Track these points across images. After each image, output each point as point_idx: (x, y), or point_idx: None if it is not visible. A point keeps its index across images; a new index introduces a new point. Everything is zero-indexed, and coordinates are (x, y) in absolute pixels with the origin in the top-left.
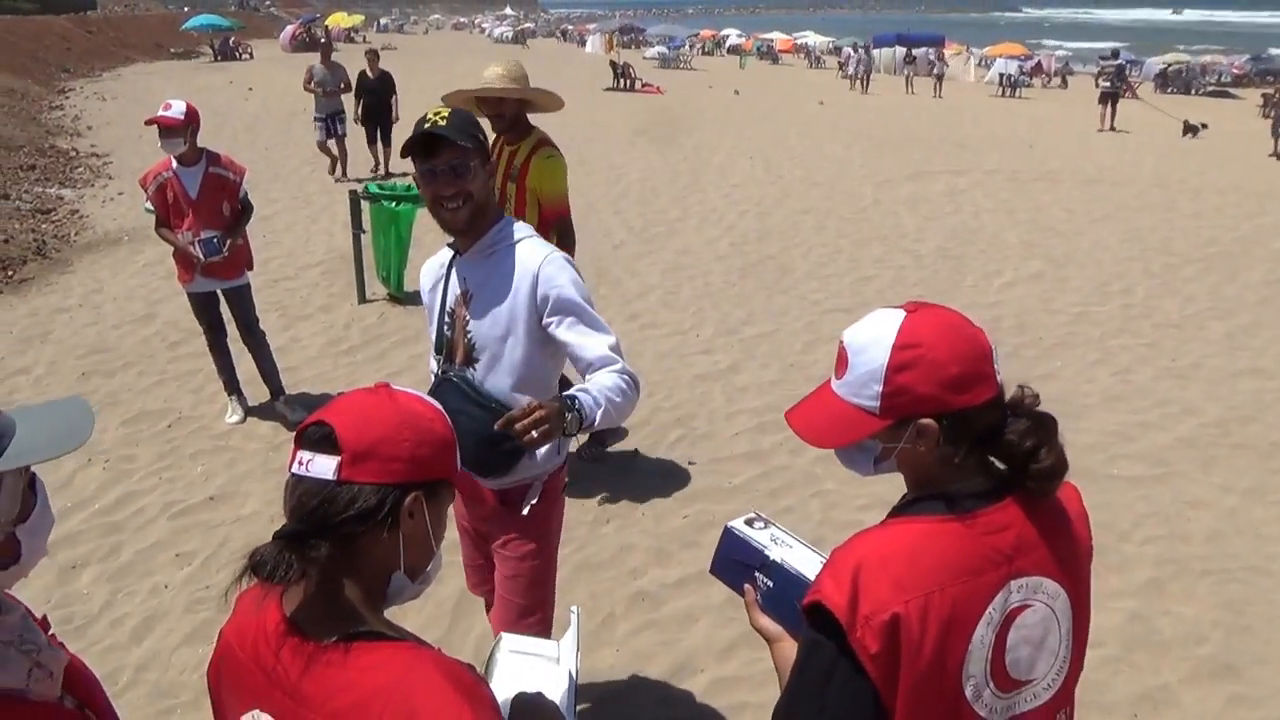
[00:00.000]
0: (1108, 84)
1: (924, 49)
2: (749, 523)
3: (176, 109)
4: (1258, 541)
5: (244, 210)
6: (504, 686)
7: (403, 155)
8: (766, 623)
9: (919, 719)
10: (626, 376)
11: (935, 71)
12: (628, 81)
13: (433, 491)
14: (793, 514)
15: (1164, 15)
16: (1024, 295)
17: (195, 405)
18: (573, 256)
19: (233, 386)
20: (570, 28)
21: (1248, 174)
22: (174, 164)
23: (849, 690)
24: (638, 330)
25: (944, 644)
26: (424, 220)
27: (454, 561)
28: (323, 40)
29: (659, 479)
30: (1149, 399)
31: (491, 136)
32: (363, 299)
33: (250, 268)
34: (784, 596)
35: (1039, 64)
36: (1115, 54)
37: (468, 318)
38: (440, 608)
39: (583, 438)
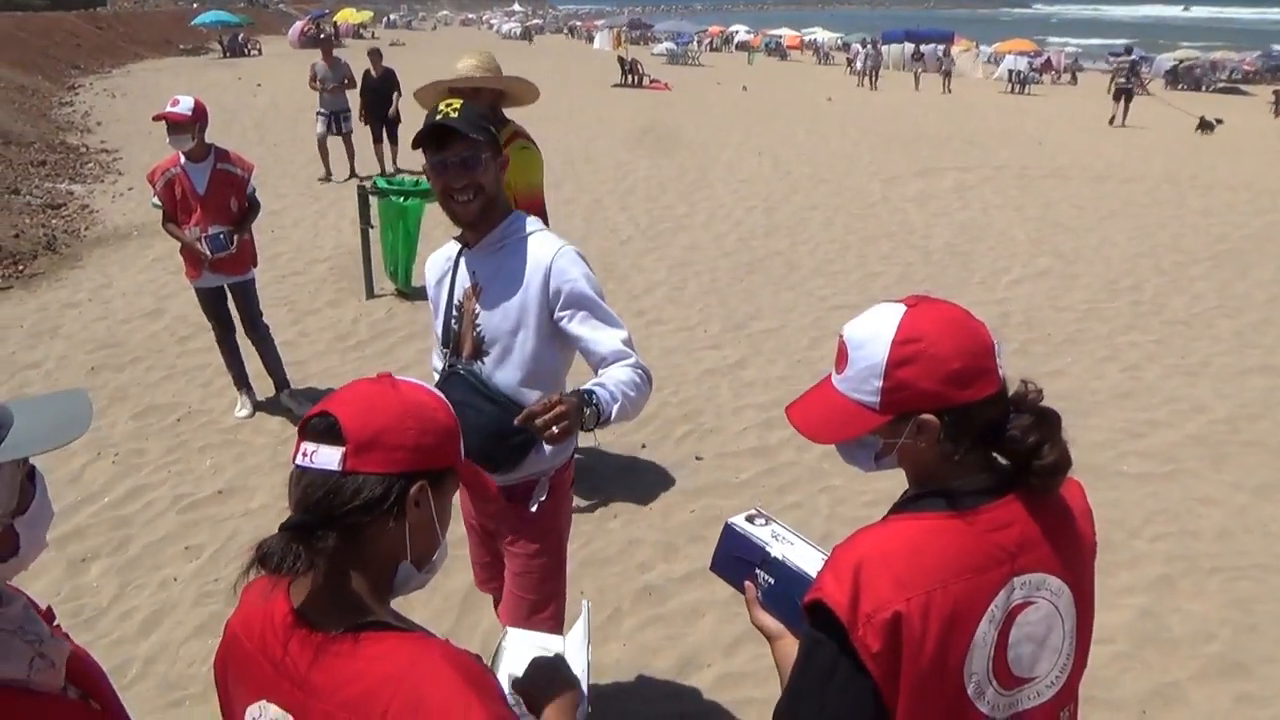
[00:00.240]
0: (1123, 80)
1: (932, 45)
2: (750, 519)
3: (184, 105)
4: (1268, 539)
5: (251, 207)
6: (507, 682)
7: (414, 147)
8: (767, 620)
9: (921, 717)
10: (640, 371)
11: (943, 68)
12: (635, 78)
13: (438, 480)
14: (800, 509)
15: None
16: (1032, 292)
17: (204, 400)
18: None
19: (241, 381)
20: (578, 24)
21: (1259, 171)
22: (182, 160)
23: (850, 689)
24: (644, 326)
25: (946, 642)
26: (432, 215)
27: (462, 555)
28: (322, 37)
29: (666, 474)
30: (1158, 396)
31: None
32: (370, 294)
33: (255, 264)
34: (785, 594)
35: (1048, 60)
36: (1128, 50)
37: (477, 311)
38: (448, 601)
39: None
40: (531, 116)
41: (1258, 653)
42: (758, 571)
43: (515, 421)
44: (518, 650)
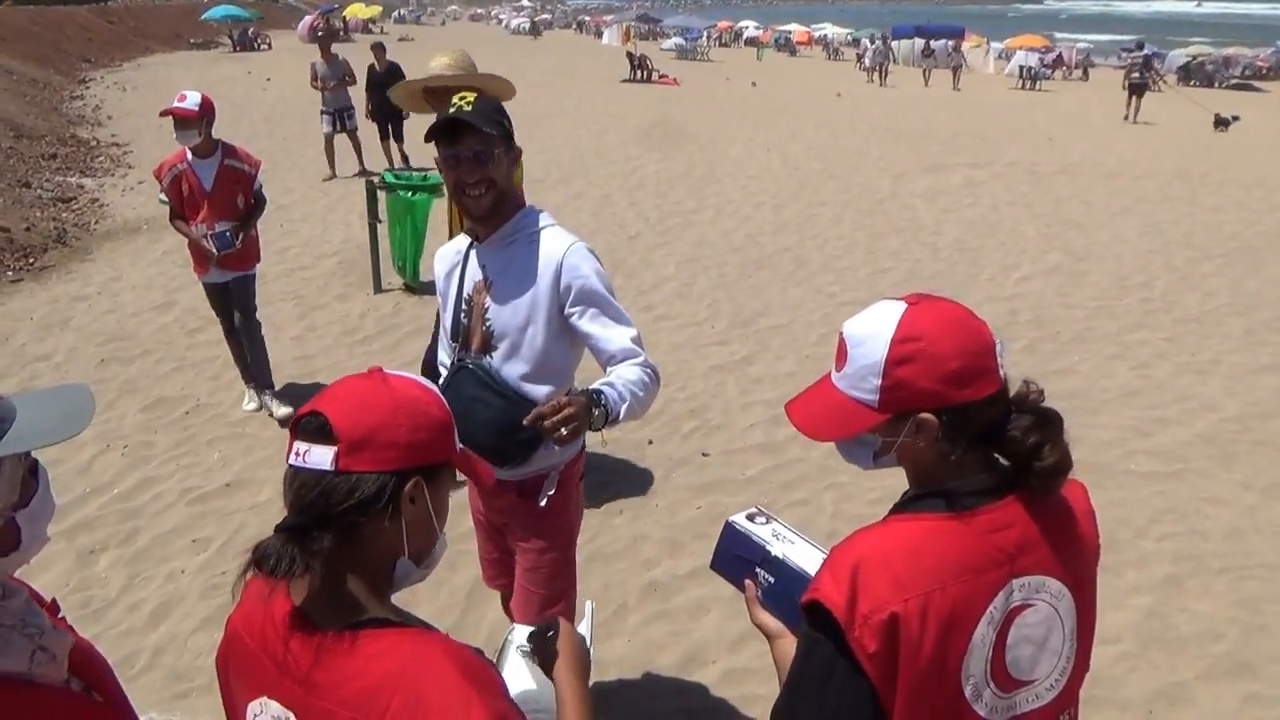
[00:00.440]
0: (1137, 76)
1: (943, 41)
2: (750, 517)
3: (191, 100)
4: (1277, 539)
5: (258, 203)
6: (512, 678)
7: (427, 140)
8: (767, 619)
9: (918, 718)
10: (649, 370)
11: (953, 63)
12: (644, 73)
13: (433, 475)
14: (806, 506)
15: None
16: (1042, 289)
17: (213, 392)
18: None
19: (250, 374)
20: (587, 19)
21: (1272, 167)
22: (189, 155)
23: (848, 689)
24: (652, 321)
25: (944, 643)
26: (440, 210)
27: (468, 550)
28: (320, 34)
29: (672, 470)
30: (1168, 394)
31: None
32: (378, 289)
33: (259, 259)
34: (785, 593)
35: (1060, 56)
36: (1140, 46)
37: (487, 305)
38: (453, 595)
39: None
40: (541, 112)
41: (1266, 653)
42: (758, 570)
43: (524, 422)
44: (521, 652)
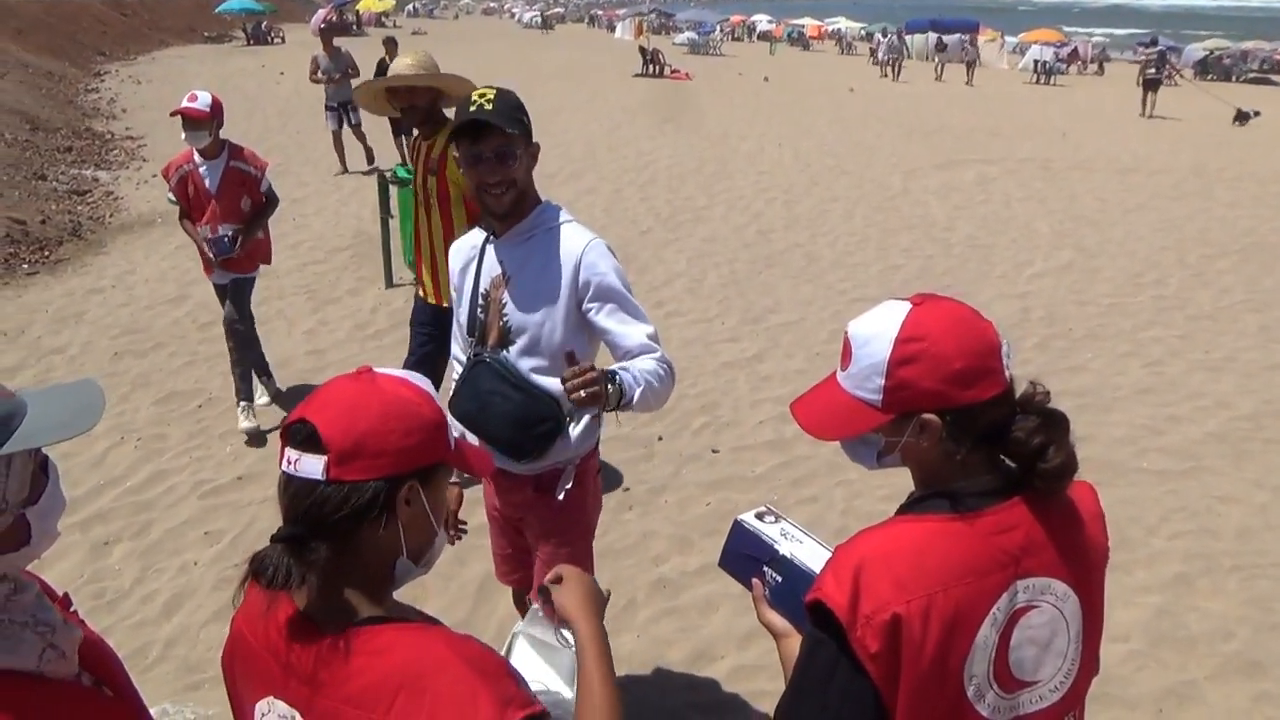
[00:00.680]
0: (1152, 71)
1: (956, 35)
2: (759, 516)
3: (202, 100)
4: None
5: (268, 203)
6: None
7: (448, 140)
8: (774, 618)
9: (920, 719)
10: (665, 364)
11: (966, 58)
12: (657, 67)
13: (427, 476)
14: (816, 503)
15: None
16: (1054, 286)
17: (225, 386)
18: None
19: (262, 369)
20: (599, 13)
21: None
22: (196, 156)
23: (850, 690)
24: (663, 318)
25: (947, 645)
26: None
27: (478, 545)
28: (322, 28)
29: (682, 466)
30: (1180, 392)
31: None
32: (390, 283)
33: (268, 261)
34: (793, 592)
35: (1075, 50)
36: (1154, 41)
37: (505, 300)
38: (463, 590)
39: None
40: (553, 106)
41: (1277, 652)
42: (766, 569)
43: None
44: (526, 646)
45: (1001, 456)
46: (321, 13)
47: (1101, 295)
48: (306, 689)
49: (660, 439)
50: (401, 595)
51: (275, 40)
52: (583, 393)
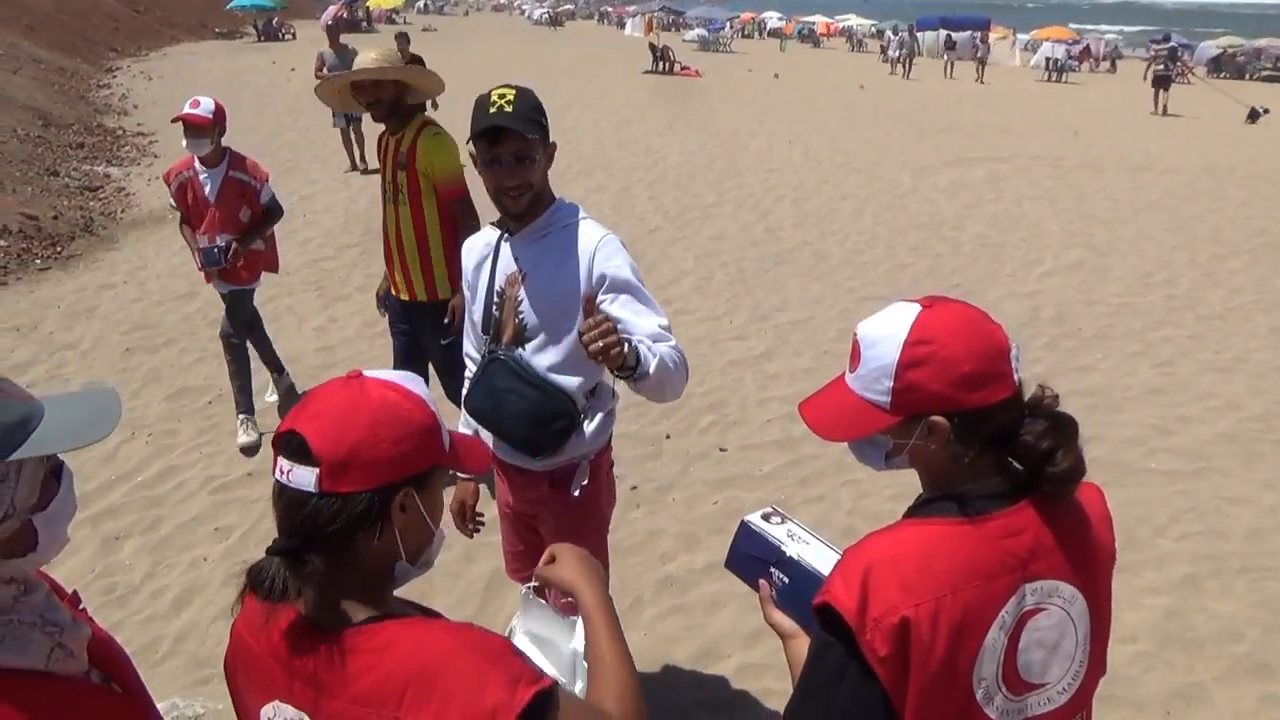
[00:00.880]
0: (1161, 68)
1: (967, 33)
2: (766, 517)
3: (205, 107)
4: None
5: (269, 215)
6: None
7: (468, 142)
8: (781, 619)
9: None
10: (679, 352)
11: (977, 55)
12: (666, 64)
13: (422, 481)
14: (823, 503)
15: None
16: (1064, 285)
17: None
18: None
19: (273, 365)
20: (609, 9)
21: None
22: (196, 163)
23: (859, 693)
24: (671, 316)
25: (955, 648)
26: None
27: (486, 542)
28: (329, 24)
29: (689, 465)
30: (1190, 392)
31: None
32: None
33: (274, 270)
34: (800, 593)
35: (1087, 48)
36: (1166, 38)
37: (520, 297)
38: (471, 586)
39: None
40: (563, 103)
41: None
42: (773, 570)
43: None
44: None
45: (1009, 459)
46: (332, 9)
47: (1111, 295)
48: (312, 691)
49: (668, 437)
50: (409, 592)
51: (286, 36)
52: (600, 343)
